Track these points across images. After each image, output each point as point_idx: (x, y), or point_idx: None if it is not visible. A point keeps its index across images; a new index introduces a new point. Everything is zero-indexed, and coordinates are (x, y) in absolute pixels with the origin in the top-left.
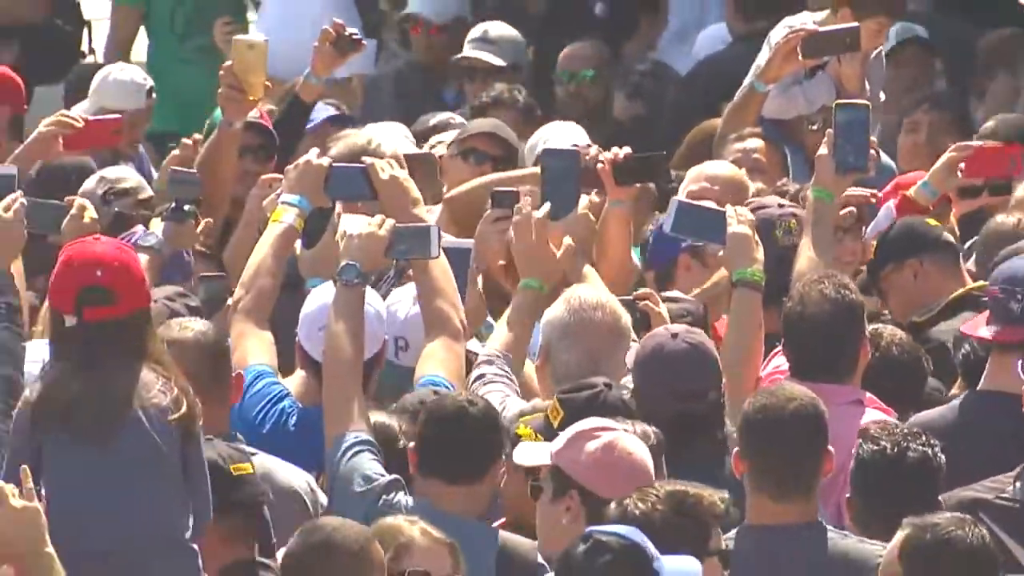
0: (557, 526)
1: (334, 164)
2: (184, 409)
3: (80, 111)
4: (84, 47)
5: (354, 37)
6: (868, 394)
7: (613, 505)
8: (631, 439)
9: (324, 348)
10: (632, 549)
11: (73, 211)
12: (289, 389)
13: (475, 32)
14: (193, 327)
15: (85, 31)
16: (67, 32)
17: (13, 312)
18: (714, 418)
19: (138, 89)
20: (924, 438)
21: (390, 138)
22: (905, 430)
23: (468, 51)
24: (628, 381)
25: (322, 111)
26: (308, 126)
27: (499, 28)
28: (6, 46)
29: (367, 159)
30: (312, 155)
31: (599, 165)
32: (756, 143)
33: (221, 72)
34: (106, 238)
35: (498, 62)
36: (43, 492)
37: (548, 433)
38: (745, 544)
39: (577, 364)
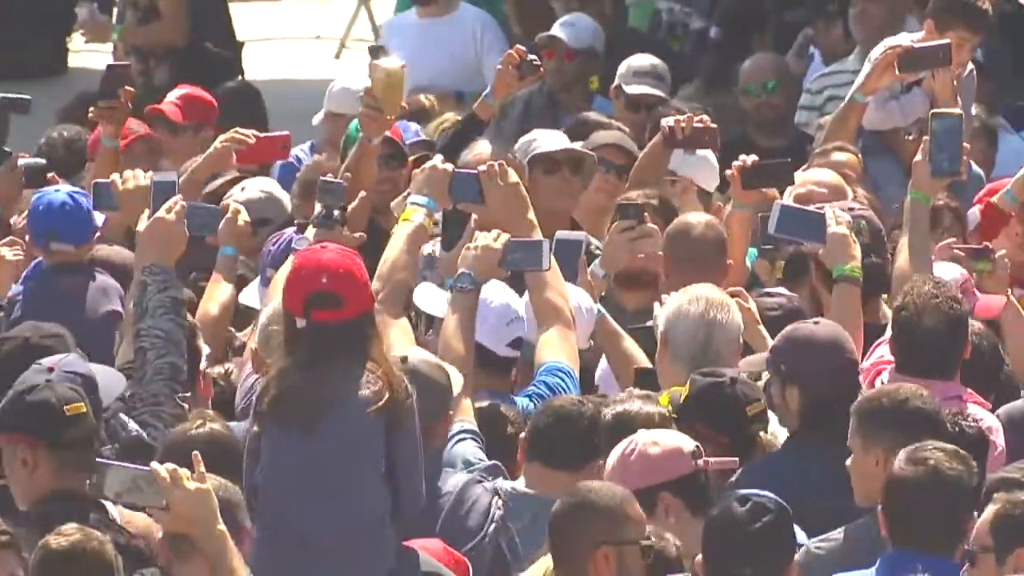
0: (672, 528)
1: (456, 170)
2: (384, 400)
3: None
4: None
5: (534, 62)
6: (968, 389)
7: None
8: (651, 432)
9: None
10: (786, 512)
11: (228, 215)
12: None
13: (641, 63)
14: None
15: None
16: (215, 53)
17: (178, 305)
18: (855, 396)
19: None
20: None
21: (551, 142)
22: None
23: (639, 87)
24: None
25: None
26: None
27: (660, 62)
28: (159, 69)
29: (482, 167)
30: (438, 160)
31: (728, 172)
32: (843, 156)
33: (361, 94)
34: (333, 245)
35: (664, 95)
36: (259, 479)
37: (677, 406)
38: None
39: (693, 335)
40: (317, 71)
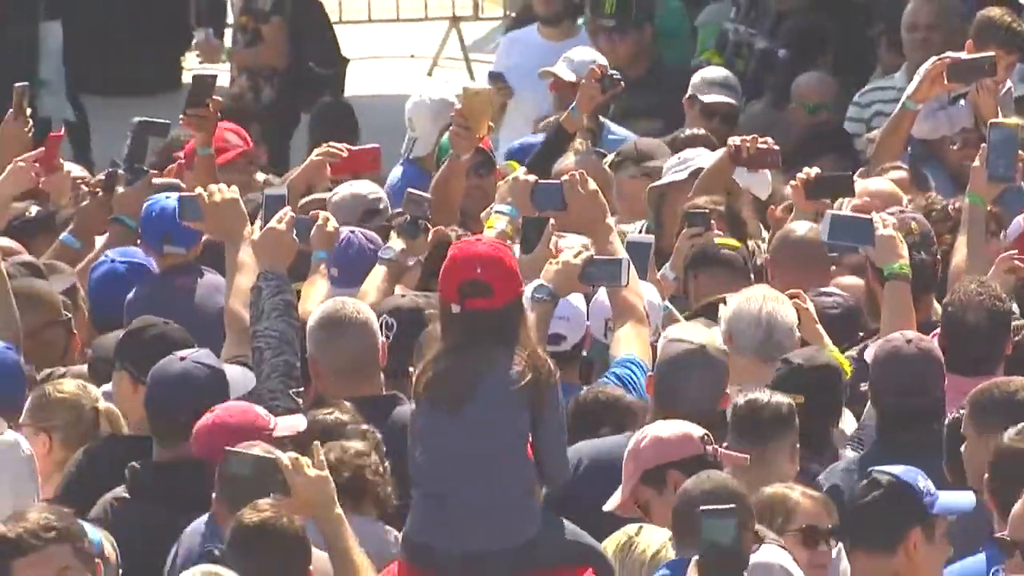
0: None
1: (539, 180)
2: (528, 379)
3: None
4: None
5: (615, 77)
6: None
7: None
8: (666, 422)
9: None
10: (900, 486)
11: (319, 222)
12: None
13: (714, 74)
14: None
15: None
16: (317, 72)
17: (290, 307)
18: (936, 412)
19: (445, 107)
20: None
21: (704, 157)
22: None
23: (713, 95)
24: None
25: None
26: None
27: (730, 74)
28: (266, 87)
29: (565, 177)
30: (520, 172)
31: (792, 183)
32: (900, 174)
33: (452, 114)
34: (486, 237)
35: (737, 103)
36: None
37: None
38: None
39: (753, 331)
40: (411, 88)
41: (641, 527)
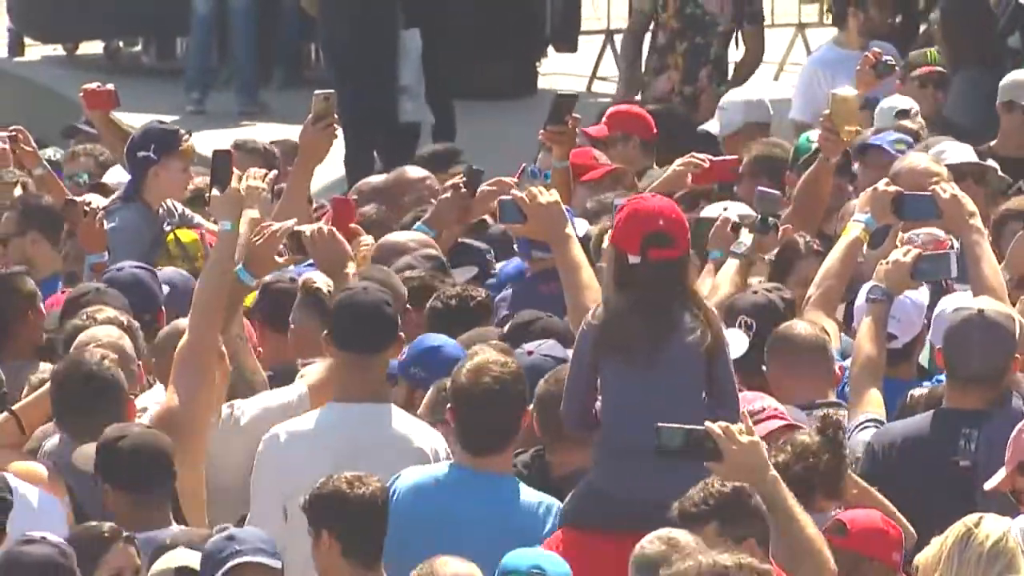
0: None
1: (906, 191)
2: (708, 340)
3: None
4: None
5: (889, 62)
6: None
7: None
8: None
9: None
10: None
11: (718, 223)
12: None
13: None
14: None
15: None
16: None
17: None
18: None
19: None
20: None
21: (959, 154)
22: None
23: None
24: None
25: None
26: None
27: None
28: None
29: (934, 187)
30: (882, 183)
31: None
32: None
33: (821, 119)
34: (657, 195)
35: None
36: (598, 404)
37: None
38: None
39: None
40: (757, 91)
41: (981, 518)
